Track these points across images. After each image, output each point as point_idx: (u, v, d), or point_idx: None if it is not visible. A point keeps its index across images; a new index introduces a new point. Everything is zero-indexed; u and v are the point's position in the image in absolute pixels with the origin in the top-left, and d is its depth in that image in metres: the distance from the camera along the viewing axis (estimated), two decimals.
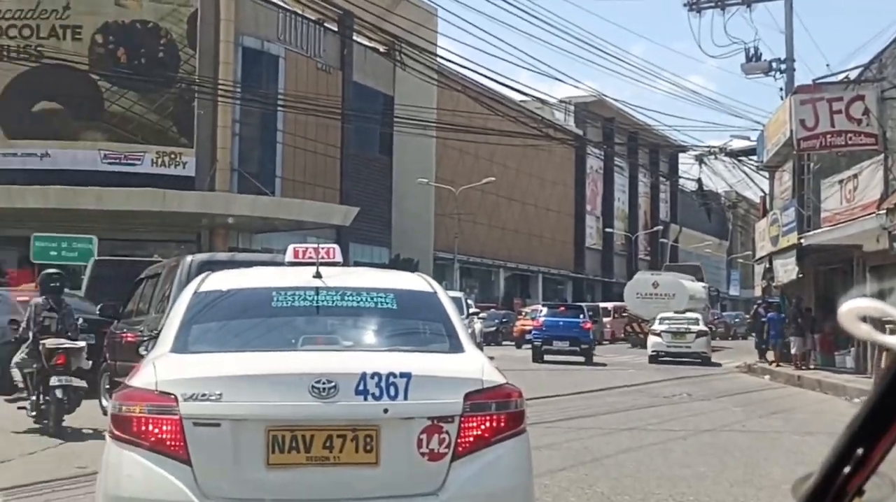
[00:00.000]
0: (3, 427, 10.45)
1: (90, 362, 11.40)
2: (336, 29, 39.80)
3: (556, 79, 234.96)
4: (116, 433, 4.04)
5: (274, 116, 36.61)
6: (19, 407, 11.01)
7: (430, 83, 34.67)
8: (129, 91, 33.10)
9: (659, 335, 27.78)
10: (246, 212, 32.25)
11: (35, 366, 10.81)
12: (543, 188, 59.80)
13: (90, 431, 10.09)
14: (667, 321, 28.48)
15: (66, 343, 10.89)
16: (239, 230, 35.06)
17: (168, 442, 3.90)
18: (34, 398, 10.82)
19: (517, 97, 37.67)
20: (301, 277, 4.80)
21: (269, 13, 37.51)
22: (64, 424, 10.54)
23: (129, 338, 11.43)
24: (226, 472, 3.91)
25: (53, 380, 10.52)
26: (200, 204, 31.61)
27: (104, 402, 11.38)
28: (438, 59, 33.07)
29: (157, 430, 3.92)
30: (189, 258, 11.30)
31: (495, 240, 54.36)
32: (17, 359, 11.17)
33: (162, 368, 4.15)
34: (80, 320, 12.52)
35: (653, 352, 27.58)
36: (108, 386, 11.72)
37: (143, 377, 4.13)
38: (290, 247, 5.20)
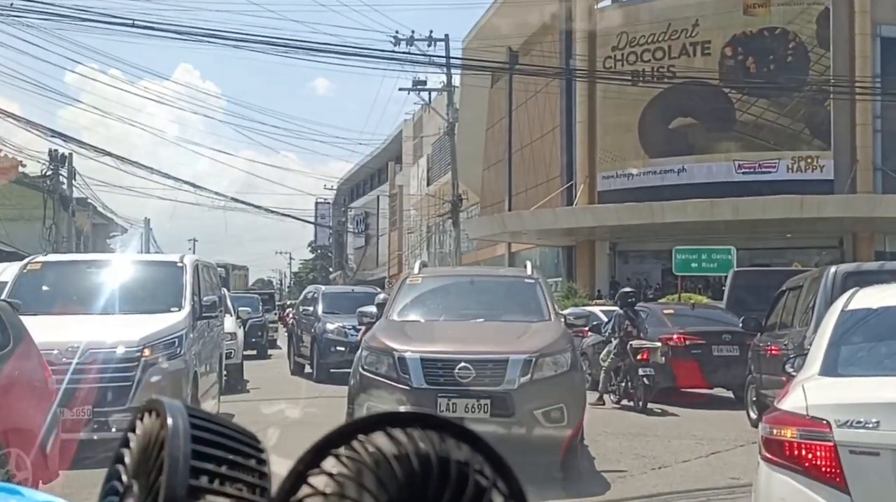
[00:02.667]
0: (659, 434, 11.15)
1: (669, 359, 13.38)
2: None
3: None
4: (768, 456, 4.07)
5: None
6: (604, 392, 13.80)
7: None
8: (758, 99, 32.72)
9: None
10: (892, 214, 29.82)
11: (623, 361, 13.37)
12: None
13: (740, 444, 10.21)
14: None
15: (647, 343, 13.31)
16: (886, 233, 32.60)
17: (823, 469, 3.80)
18: (623, 384, 13.51)
19: None
20: None
21: None
22: (648, 406, 13.03)
23: (773, 351, 11.54)
24: None
25: (640, 371, 13.03)
26: (841, 208, 29.90)
27: (751, 414, 11.97)
28: None
29: (810, 456, 3.84)
30: (833, 269, 10.81)
31: None
32: (603, 355, 13.91)
33: (812, 392, 4.05)
34: (724, 334, 14.88)
35: None
36: (754, 399, 12.15)
37: (793, 400, 4.08)
38: None
